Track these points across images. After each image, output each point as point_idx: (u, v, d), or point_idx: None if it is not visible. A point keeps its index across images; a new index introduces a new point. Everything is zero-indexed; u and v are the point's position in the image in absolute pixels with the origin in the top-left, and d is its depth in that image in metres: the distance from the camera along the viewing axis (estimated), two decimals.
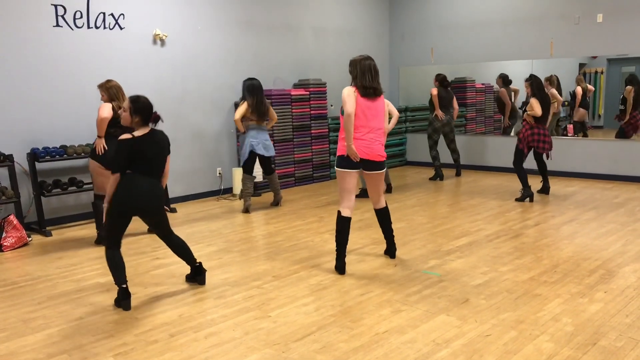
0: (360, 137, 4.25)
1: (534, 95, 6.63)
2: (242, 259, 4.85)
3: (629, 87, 8.27)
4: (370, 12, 9.88)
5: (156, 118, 3.83)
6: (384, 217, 4.63)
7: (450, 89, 8.53)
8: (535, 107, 6.53)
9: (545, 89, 8.39)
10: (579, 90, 8.98)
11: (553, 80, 8.56)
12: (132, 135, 3.74)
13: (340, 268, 4.38)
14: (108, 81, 5.28)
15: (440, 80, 8.40)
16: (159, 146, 3.84)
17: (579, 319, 3.44)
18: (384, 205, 4.62)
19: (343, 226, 4.34)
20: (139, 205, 3.77)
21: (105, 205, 3.80)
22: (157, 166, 3.86)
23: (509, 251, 4.85)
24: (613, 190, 7.37)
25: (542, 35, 8.52)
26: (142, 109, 3.77)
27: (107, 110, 5.12)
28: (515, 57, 8.90)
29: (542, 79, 7.85)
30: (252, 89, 6.45)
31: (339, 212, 4.37)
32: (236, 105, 7.84)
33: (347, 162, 4.31)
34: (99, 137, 5.18)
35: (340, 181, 4.37)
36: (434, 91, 8.33)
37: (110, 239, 3.80)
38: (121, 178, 3.73)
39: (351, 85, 4.31)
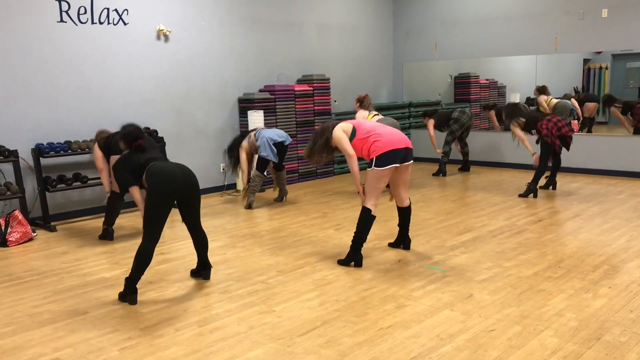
0: (386, 133, 4.32)
1: (511, 122, 7.02)
2: (246, 254, 4.86)
3: (614, 109, 8.36)
4: (374, 8, 9.85)
5: (138, 146, 4.03)
6: (408, 215, 4.72)
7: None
8: (516, 132, 6.96)
9: (536, 96, 8.66)
10: (573, 102, 8.91)
11: (539, 88, 8.66)
12: (122, 155, 4.14)
13: (359, 261, 4.42)
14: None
15: (430, 114, 8.55)
16: (150, 142, 4.24)
17: (583, 314, 3.44)
18: (409, 203, 4.68)
19: (371, 223, 4.40)
20: (179, 184, 3.81)
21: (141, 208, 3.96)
22: (160, 153, 4.14)
23: (513, 247, 4.86)
24: (617, 186, 7.36)
25: (547, 30, 8.49)
26: (124, 136, 4.08)
27: (100, 163, 5.33)
28: (519, 53, 8.87)
29: (534, 87, 8.40)
30: (244, 133, 6.97)
31: (369, 210, 4.34)
32: (239, 101, 7.86)
33: (392, 157, 4.25)
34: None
35: (377, 181, 4.29)
36: (430, 126, 8.44)
37: (152, 234, 3.75)
38: (146, 172, 3.84)
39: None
